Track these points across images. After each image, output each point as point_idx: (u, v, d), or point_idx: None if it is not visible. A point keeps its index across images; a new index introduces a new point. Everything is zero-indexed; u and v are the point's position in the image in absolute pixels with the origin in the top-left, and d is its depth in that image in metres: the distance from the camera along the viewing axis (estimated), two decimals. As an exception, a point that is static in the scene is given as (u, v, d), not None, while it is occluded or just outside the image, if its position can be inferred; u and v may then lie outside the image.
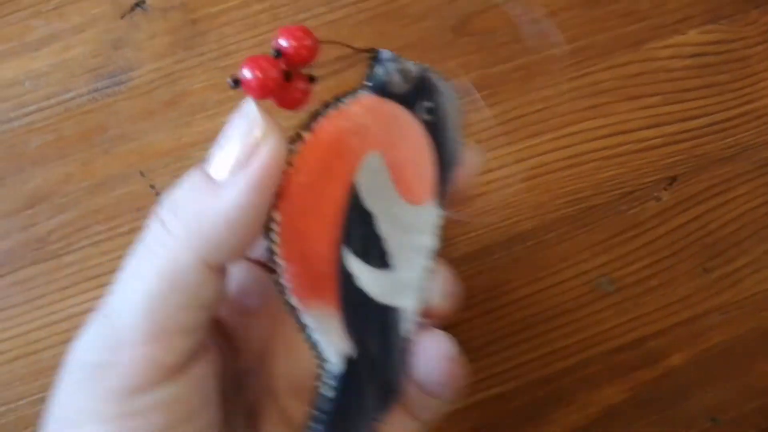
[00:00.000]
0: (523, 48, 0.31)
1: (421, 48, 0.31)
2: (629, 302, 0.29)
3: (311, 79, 0.18)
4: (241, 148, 0.15)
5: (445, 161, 0.19)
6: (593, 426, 0.28)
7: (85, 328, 0.17)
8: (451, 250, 0.29)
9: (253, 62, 0.16)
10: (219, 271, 0.16)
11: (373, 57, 0.18)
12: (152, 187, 0.29)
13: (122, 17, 0.30)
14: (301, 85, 0.17)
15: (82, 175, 0.29)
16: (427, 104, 0.18)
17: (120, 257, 0.29)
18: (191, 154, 0.30)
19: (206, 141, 0.29)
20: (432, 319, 0.19)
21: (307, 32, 0.17)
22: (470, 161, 0.19)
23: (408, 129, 0.18)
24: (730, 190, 0.30)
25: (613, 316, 0.29)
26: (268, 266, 0.18)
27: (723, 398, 0.29)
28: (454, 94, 0.18)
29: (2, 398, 0.28)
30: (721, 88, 0.31)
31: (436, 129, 0.18)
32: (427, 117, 0.18)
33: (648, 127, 0.30)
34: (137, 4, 0.31)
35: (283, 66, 0.16)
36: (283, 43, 0.17)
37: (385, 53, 0.18)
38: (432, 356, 0.19)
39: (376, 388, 0.19)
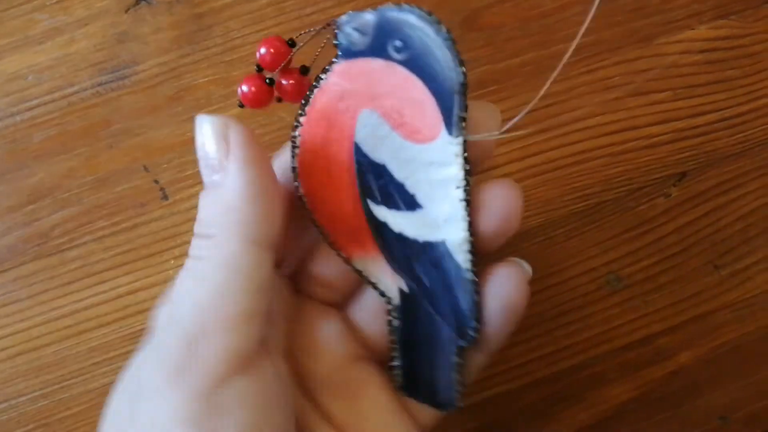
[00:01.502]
0: (531, 43, 0.30)
1: (428, 42, 0.30)
2: (638, 299, 0.29)
3: (304, 71, 0.20)
4: (216, 146, 0.17)
5: (443, 87, 0.18)
6: (602, 424, 0.28)
7: (140, 347, 0.18)
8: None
9: (245, 81, 0.19)
10: (267, 248, 0.17)
11: (334, 27, 0.19)
12: (156, 182, 0.29)
13: (127, 11, 0.30)
14: (296, 79, 0.19)
15: (86, 170, 0.29)
16: (396, 43, 0.18)
17: (123, 252, 0.29)
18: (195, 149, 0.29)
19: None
20: (491, 244, 0.20)
21: (280, 40, 0.19)
22: (484, 123, 0.19)
23: (389, 75, 0.18)
24: (741, 186, 0.30)
25: (622, 314, 0.29)
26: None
27: (733, 397, 0.28)
28: (424, 18, 0.18)
29: (3, 395, 0.28)
30: (731, 83, 0.31)
31: (417, 61, 0.18)
32: (400, 55, 0.18)
33: (657, 123, 0.30)
34: (142, -2, 0.30)
35: (268, 75, 0.19)
36: (263, 52, 0.19)
37: (342, 18, 0.18)
38: (501, 286, 0.19)
39: (449, 322, 0.20)
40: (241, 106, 0.20)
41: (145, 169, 0.29)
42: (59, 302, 0.29)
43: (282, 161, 0.21)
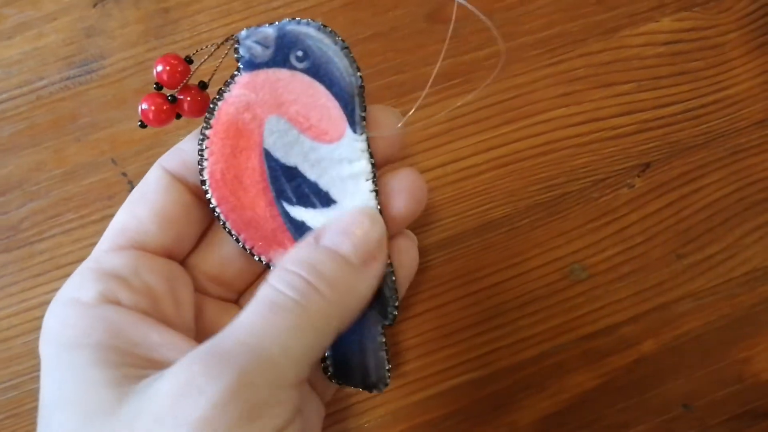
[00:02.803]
0: (495, 36, 0.31)
1: (394, 36, 0.31)
2: (601, 289, 0.29)
3: (203, 86, 0.21)
4: (365, 246, 0.19)
5: (344, 91, 0.20)
6: (565, 412, 0.28)
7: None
8: (423, 237, 0.29)
9: (145, 100, 0.20)
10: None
11: (235, 41, 0.20)
12: (124, 174, 0.29)
13: (94, 6, 0.30)
14: (196, 95, 0.20)
15: (54, 163, 0.29)
16: (297, 53, 0.20)
17: (92, 245, 0.29)
18: (163, 141, 0.29)
19: (177, 129, 0.29)
20: (401, 224, 0.22)
21: (177, 58, 0.20)
22: (385, 122, 0.21)
23: (293, 83, 0.20)
24: (703, 176, 0.30)
25: (586, 303, 0.29)
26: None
27: (695, 385, 0.29)
28: (322, 29, 0.20)
29: (-26, 386, 0.28)
30: (695, 75, 0.31)
31: (318, 69, 0.20)
32: (302, 64, 0.20)
33: (621, 115, 0.30)
34: (110, -7, 0.31)
35: (169, 92, 0.20)
36: (159, 69, 0.20)
37: (242, 33, 0.20)
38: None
39: (373, 304, 0.21)
40: (143, 125, 0.20)
41: (113, 162, 0.29)
42: (28, 294, 0.29)
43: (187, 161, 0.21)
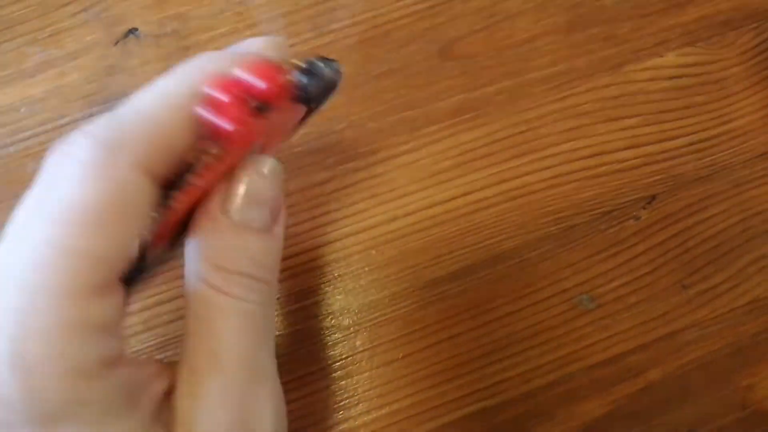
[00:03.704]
0: (505, 72, 0.32)
1: (406, 72, 0.32)
2: (609, 319, 0.30)
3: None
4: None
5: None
6: (575, 440, 0.29)
7: None
8: (436, 269, 0.30)
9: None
10: None
11: (306, 66, 0.19)
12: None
13: (115, 44, 0.31)
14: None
15: (78, 198, 0.30)
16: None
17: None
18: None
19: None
20: None
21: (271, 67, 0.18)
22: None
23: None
24: (708, 208, 0.31)
25: (594, 332, 0.30)
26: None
27: (701, 411, 0.30)
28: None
29: None
30: (699, 109, 0.32)
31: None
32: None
33: (627, 148, 0.31)
34: (130, 31, 0.31)
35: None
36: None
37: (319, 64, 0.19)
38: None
39: None
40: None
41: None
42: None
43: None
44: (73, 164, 0.16)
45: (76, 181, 0.16)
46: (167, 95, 0.17)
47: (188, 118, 0.17)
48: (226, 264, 0.18)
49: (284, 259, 0.28)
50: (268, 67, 0.17)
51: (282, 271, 0.29)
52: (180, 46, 0.31)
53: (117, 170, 0.16)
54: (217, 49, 0.31)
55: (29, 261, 0.15)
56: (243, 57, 0.18)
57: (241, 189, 0.19)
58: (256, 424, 0.19)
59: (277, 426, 0.20)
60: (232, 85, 0.17)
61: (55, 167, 0.16)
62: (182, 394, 0.18)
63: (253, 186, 0.19)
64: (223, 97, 0.17)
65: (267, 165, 0.19)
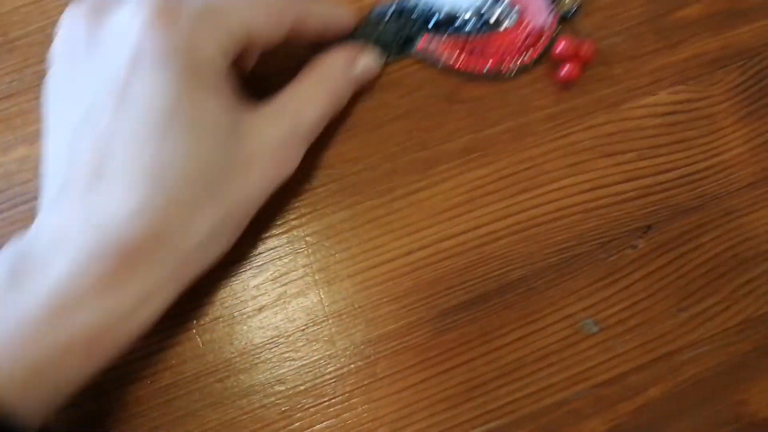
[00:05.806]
0: (510, 112, 0.34)
1: (417, 115, 0.34)
2: (611, 341, 0.32)
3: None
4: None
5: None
6: (581, 455, 0.32)
7: None
8: (448, 299, 0.32)
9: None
10: None
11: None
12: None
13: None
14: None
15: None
16: None
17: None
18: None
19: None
20: None
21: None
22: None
23: None
24: (700, 236, 0.33)
25: (597, 354, 0.32)
26: None
27: (697, 426, 0.32)
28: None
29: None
30: (690, 143, 0.34)
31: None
32: None
33: (624, 181, 0.34)
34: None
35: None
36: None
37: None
38: None
39: None
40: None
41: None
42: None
43: None
44: None
45: None
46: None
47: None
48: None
49: (310, 294, 0.31)
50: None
51: (307, 305, 0.31)
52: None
53: None
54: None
55: None
56: None
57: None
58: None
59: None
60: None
61: None
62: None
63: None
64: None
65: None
